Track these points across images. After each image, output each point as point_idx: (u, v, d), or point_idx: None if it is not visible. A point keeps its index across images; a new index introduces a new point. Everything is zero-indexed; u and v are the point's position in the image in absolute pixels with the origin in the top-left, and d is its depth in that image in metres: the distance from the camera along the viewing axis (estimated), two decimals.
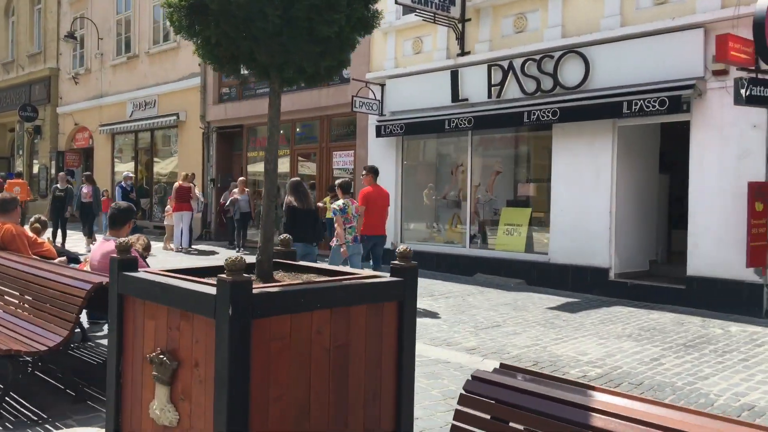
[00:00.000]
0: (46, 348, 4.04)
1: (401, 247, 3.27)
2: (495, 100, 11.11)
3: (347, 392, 2.95)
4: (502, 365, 2.43)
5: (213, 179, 17.62)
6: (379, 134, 12.79)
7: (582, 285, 9.94)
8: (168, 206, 15.86)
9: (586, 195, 10.00)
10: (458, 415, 2.38)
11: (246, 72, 3.36)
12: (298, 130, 15.64)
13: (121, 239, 5.12)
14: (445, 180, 13.35)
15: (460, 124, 11.29)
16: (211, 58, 3.15)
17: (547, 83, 10.36)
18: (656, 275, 10.13)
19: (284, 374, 2.73)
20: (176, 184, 15.17)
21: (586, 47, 9.88)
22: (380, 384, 3.09)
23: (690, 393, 5.16)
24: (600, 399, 2.11)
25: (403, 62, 12.75)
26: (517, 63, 10.71)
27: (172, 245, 15.26)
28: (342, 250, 8.34)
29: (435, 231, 13.34)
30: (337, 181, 9.11)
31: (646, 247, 10.48)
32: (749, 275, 8.27)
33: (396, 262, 3.23)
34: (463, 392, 2.39)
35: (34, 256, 5.67)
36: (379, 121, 12.82)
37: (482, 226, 12.32)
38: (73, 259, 6.36)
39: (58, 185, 13.30)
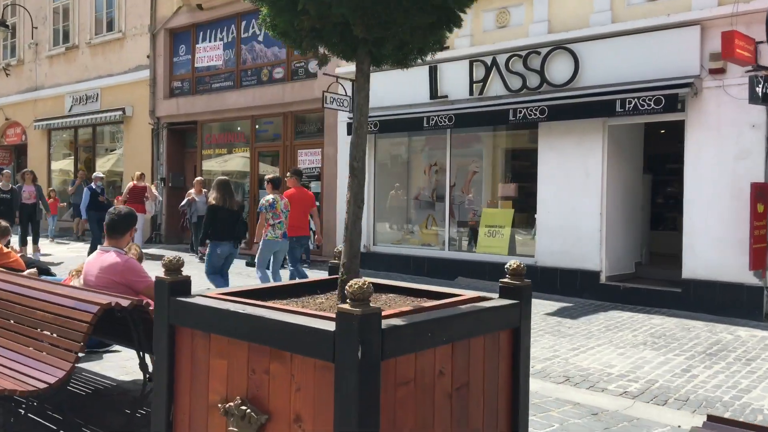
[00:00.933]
0: (45, 386, 3.31)
1: (513, 263, 2.75)
2: (477, 98, 10.70)
3: None
4: (710, 417, 1.94)
5: (163, 178, 16.58)
6: (351, 132, 12.17)
7: (571, 288, 9.65)
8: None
9: (575, 196, 9.72)
10: None
11: (325, 51, 2.74)
12: (258, 127, 14.85)
13: (132, 251, 4.43)
14: (419, 180, 12.89)
15: (440, 122, 10.83)
16: (288, 31, 2.53)
17: (533, 80, 10.02)
18: (644, 278, 9.94)
19: (408, 429, 2.16)
20: (130, 184, 14.13)
21: (575, 43, 9.59)
22: (496, 429, 2.56)
23: (743, 408, 4.84)
24: None
25: None
26: (501, 59, 10.33)
27: None
28: (253, 247, 8.65)
29: (407, 232, 12.86)
30: (267, 177, 9.17)
31: (632, 250, 10.29)
32: (749, 278, 8.13)
33: (508, 280, 2.71)
34: None
35: (6, 270, 4.86)
36: (350, 119, 12.22)
37: (459, 227, 11.91)
38: (45, 270, 5.55)
39: (1, 185, 11.97)
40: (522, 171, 11.10)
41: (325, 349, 2.00)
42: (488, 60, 10.48)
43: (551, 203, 9.98)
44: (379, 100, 11.91)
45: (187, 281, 2.57)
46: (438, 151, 12.03)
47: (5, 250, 5.33)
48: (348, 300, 1.98)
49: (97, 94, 18.47)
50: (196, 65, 15.58)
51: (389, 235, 12.81)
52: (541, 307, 8.73)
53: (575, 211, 9.70)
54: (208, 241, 8.01)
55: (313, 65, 13.39)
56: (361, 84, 2.72)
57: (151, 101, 16.71)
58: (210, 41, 15.45)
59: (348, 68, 12.34)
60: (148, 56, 16.84)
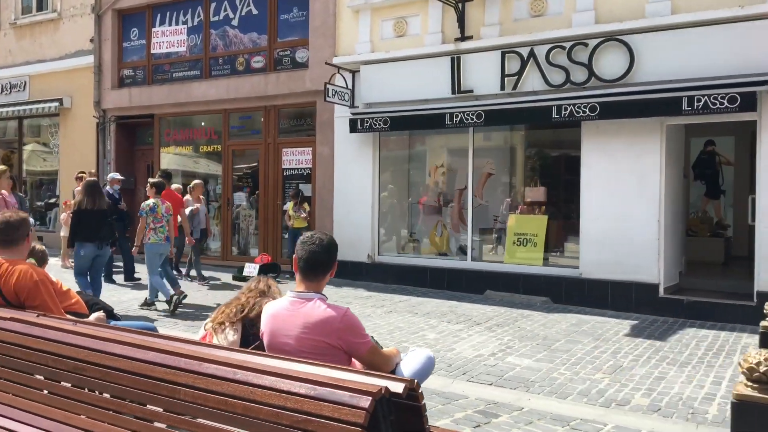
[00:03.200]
0: None
1: None
2: (508, 93, 9.71)
3: None
4: None
5: None
6: (354, 129, 10.90)
7: (625, 303, 8.83)
8: (63, 213, 12.73)
9: (627, 201, 8.91)
10: None
11: None
12: (233, 122, 13.21)
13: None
14: (425, 182, 11.78)
15: (467, 119, 9.76)
16: None
17: (579, 74, 9.13)
18: (691, 289, 9.27)
19: None
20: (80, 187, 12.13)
21: (629, 35, 8.76)
22: None
23: None
24: None
25: (381, 46, 10.96)
26: (541, 51, 9.37)
27: (71, 261, 12.23)
28: (133, 249, 9.27)
29: (412, 240, 11.71)
30: (151, 180, 9.33)
31: (678, 259, 9.63)
32: None
33: None
34: None
35: (73, 317, 3.35)
36: (354, 114, 10.93)
37: (481, 234, 10.88)
38: (110, 313, 4.02)
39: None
40: (557, 173, 10.25)
41: None
42: (524, 51, 9.50)
43: (597, 209, 9.13)
44: (388, 94, 10.76)
45: None
46: (456, 151, 10.97)
47: (63, 287, 3.78)
48: None
49: (24, 83, 16.13)
50: (152, 51, 13.70)
51: (394, 244, 11.61)
52: (609, 326, 7.85)
53: (628, 218, 8.89)
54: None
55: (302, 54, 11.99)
56: None
57: (96, 91, 14.65)
58: (170, 24, 13.65)
59: (347, 58, 11.09)
60: (91, 40, 14.78)
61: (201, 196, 11.33)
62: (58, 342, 2.84)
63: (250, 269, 10.84)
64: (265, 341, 2.79)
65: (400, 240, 11.74)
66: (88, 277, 8.15)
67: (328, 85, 10.73)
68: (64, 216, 12.37)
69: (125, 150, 14.84)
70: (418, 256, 11.14)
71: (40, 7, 16.02)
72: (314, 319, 2.67)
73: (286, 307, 2.78)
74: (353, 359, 2.83)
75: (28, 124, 16.75)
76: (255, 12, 12.62)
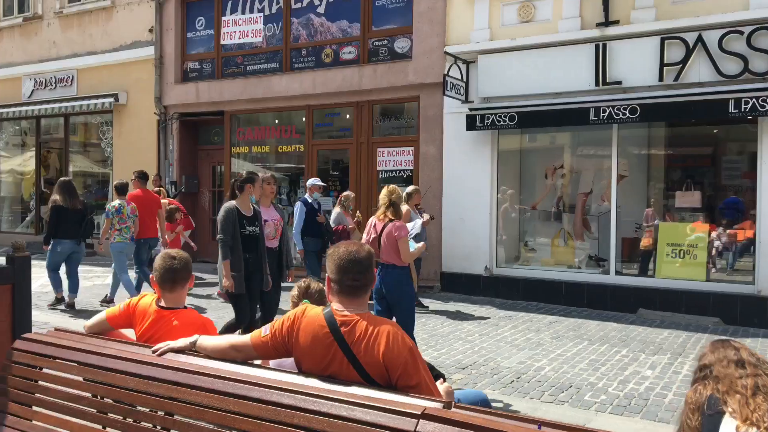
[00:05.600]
0: None
1: None
2: (667, 84, 8.55)
3: None
4: None
5: (174, 182, 13.32)
6: (473, 126, 9.72)
7: None
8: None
9: None
10: None
11: None
12: (317, 120, 12.00)
13: None
14: (538, 185, 10.63)
15: (616, 115, 8.61)
16: None
17: (759, 63, 7.98)
18: None
19: None
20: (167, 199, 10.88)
21: None
22: None
23: None
24: None
25: (502, 33, 9.78)
26: (711, 37, 8.22)
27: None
28: (99, 248, 9.54)
29: (529, 250, 10.54)
30: (114, 183, 9.47)
31: None
32: None
33: None
34: None
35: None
36: (473, 110, 9.75)
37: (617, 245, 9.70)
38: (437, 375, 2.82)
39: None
40: (714, 175, 9.10)
41: None
42: (689, 37, 8.34)
43: None
44: (511, 86, 9.63)
45: None
46: (594, 150, 9.81)
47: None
48: None
49: (72, 77, 14.87)
50: (222, 42, 12.45)
51: (510, 254, 10.43)
52: None
53: None
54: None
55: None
56: None
57: (156, 86, 13.42)
58: (243, 13, 12.42)
59: (461, 48, 9.94)
60: (151, 30, 13.53)
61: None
62: None
63: None
64: None
65: (516, 250, 10.57)
66: (65, 272, 8.58)
67: (447, 78, 9.55)
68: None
69: (188, 150, 13.62)
70: (547, 268, 9.95)
71: None
72: None
73: None
74: None
75: (76, 121, 15.48)
76: None
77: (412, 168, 10.87)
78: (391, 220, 5.40)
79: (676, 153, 9.90)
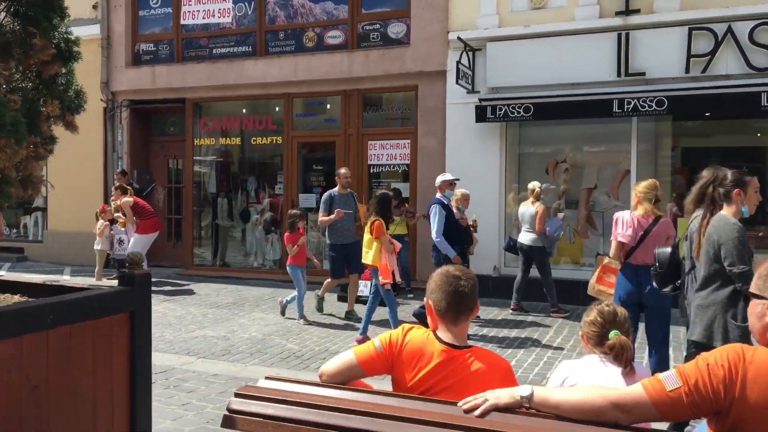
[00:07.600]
0: None
1: None
2: (692, 77, 8.31)
3: None
4: None
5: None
6: (483, 118, 9.14)
7: None
8: (99, 221, 10.00)
9: None
10: None
11: None
12: (297, 110, 11.00)
13: None
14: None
15: (642, 107, 8.28)
16: None
17: None
18: None
19: None
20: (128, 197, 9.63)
21: None
22: None
23: None
24: None
25: (512, 20, 9.26)
26: (742, 28, 8.04)
27: (106, 279, 9.71)
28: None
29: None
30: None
31: None
32: None
33: None
34: None
35: None
36: (483, 100, 9.16)
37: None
38: None
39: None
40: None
41: None
42: (719, 28, 8.13)
43: None
44: (523, 76, 9.17)
45: None
46: (611, 144, 9.46)
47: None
48: None
49: None
50: (182, 22, 11.19)
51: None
52: None
53: None
54: None
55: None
56: None
57: (103, 69, 11.93)
58: None
59: (467, 34, 9.36)
60: (95, 6, 12.02)
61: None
62: None
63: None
64: None
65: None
66: None
67: (459, 65, 8.91)
68: (101, 224, 9.78)
69: (140, 141, 12.21)
70: (561, 267, 9.52)
71: None
72: None
73: None
74: None
75: None
76: None
77: (408, 162, 10.15)
78: (659, 217, 4.83)
79: (693, 146, 9.76)
